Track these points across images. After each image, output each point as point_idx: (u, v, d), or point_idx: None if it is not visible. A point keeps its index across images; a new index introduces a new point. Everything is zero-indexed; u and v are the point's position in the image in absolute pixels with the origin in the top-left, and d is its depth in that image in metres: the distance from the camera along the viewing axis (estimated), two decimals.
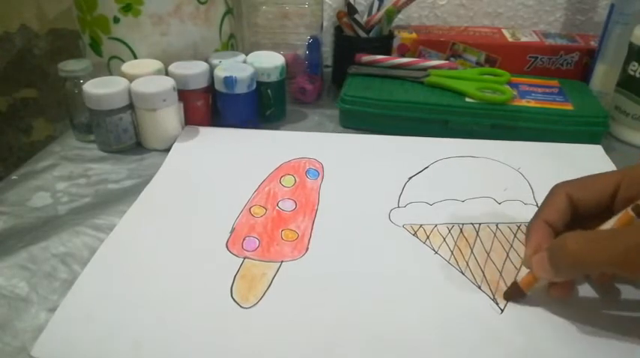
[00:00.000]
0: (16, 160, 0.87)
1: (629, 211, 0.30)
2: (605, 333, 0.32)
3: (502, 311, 0.33)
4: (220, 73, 0.53)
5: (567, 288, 0.33)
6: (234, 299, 0.34)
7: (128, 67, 0.53)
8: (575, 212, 0.34)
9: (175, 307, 0.34)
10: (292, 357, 0.30)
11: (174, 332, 0.32)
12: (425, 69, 0.61)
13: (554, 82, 0.61)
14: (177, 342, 0.31)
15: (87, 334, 0.32)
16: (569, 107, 0.55)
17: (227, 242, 0.39)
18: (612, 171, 0.34)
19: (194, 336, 0.31)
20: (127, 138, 0.52)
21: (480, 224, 0.41)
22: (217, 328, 0.32)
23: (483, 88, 0.56)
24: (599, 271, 0.32)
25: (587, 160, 0.50)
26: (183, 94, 0.53)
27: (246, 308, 0.34)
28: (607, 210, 0.33)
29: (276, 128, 0.58)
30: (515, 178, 0.47)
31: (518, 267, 0.37)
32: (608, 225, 0.31)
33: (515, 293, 0.34)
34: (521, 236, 0.40)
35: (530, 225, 0.34)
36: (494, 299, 0.34)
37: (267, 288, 0.35)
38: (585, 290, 0.35)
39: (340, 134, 0.56)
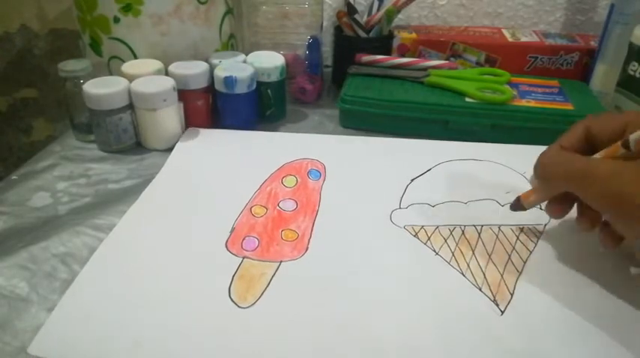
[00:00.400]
0: (16, 160, 0.87)
1: (617, 143, 0.33)
2: (605, 335, 0.32)
3: (502, 312, 0.33)
4: (220, 73, 0.53)
5: (559, 208, 0.37)
6: (232, 299, 0.34)
7: (128, 67, 0.53)
8: (591, 143, 0.36)
9: (174, 307, 0.34)
10: (289, 357, 0.30)
11: (173, 331, 0.32)
12: (425, 69, 0.61)
13: (554, 82, 0.61)
14: (176, 342, 0.31)
15: (85, 333, 0.32)
16: (569, 107, 0.55)
17: (227, 241, 0.39)
18: (627, 112, 0.36)
19: (192, 336, 0.31)
20: (127, 138, 0.52)
21: (482, 226, 0.41)
22: (215, 328, 0.32)
23: (483, 88, 0.56)
24: (563, 184, 0.34)
25: None
26: (184, 94, 0.53)
27: (243, 308, 0.34)
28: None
29: (276, 128, 0.58)
30: (518, 181, 0.47)
31: (520, 270, 0.37)
32: (598, 154, 0.34)
33: (517, 206, 0.39)
34: (523, 238, 0.40)
35: (547, 148, 0.37)
36: (494, 301, 0.34)
37: (266, 288, 0.35)
38: (585, 292, 0.35)
39: (343, 135, 0.56)
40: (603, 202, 0.32)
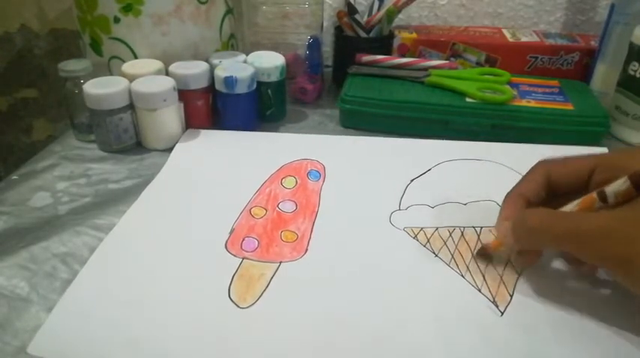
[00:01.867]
0: (16, 160, 0.87)
1: (593, 195, 0.32)
2: (605, 335, 0.32)
3: (502, 313, 0.33)
4: (221, 72, 0.53)
5: (530, 259, 0.36)
6: (231, 299, 0.34)
7: (128, 66, 0.53)
8: (552, 189, 0.36)
9: (173, 306, 0.34)
10: (288, 357, 0.30)
11: (172, 331, 0.32)
12: (425, 69, 0.61)
13: (555, 82, 0.61)
14: (175, 341, 0.31)
15: (84, 333, 0.32)
16: (569, 107, 0.55)
17: (226, 242, 0.39)
18: (591, 155, 0.35)
19: (191, 336, 0.32)
20: (127, 138, 0.52)
21: (481, 227, 0.41)
22: (214, 328, 0.32)
23: (484, 88, 0.56)
24: (553, 247, 0.35)
25: None
26: (184, 94, 0.53)
27: (243, 308, 0.34)
28: (583, 191, 0.34)
29: (277, 128, 0.58)
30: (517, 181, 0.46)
31: (519, 271, 0.37)
32: (572, 205, 0.33)
33: (483, 255, 0.38)
34: None
35: (507, 195, 0.37)
36: (494, 302, 0.34)
37: (265, 289, 0.35)
38: (585, 293, 0.35)
39: (343, 136, 0.56)
40: (600, 263, 0.32)
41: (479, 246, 0.39)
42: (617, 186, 0.31)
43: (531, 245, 0.35)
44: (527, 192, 0.36)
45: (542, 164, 0.36)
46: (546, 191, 0.36)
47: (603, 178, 0.33)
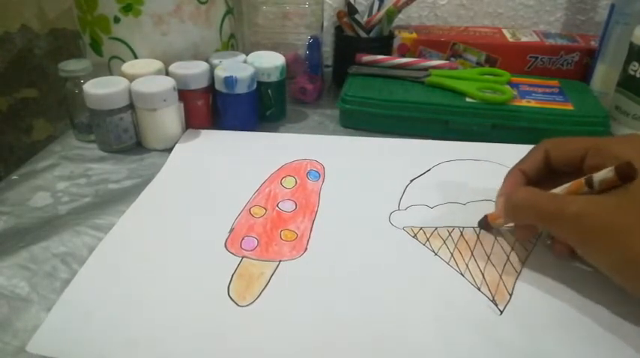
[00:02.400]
0: (16, 160, 0.87)
1: (582, 180, 0.33)
2: (605, 335, 0.32)
3: (501, 312, 0.33)
4: (221, 72, 0.53)
5: (524, 233, 0.38)
6: (231, 298, 0.34)
7: (128, 66, 0.53)
8: (551, 167, 0.37)
9: (172, 305, 0.34)
10: (288, 356, 0.30)
11: (171, 329, 0.32)
12: (425, 69, 0.61)
13: (555, 82, 0.61)
14: (174, 340, 0.31)
15: (83, 331, 0.32)
16: (569, 107, 0.55)
17: (226, 241, 0.39)
18: (586, 138, 0.36)
19: (191, 334, 0.32)
20: (127, 138, 0.52)
21: (517, 227, 0.41)
22: (214, 326, 0.32)
23: (484, 88, 0.56)
24: (536, 224, 0.35)
25: None
26: (184, 94, 0.53)
27: (242, 306, 0.34)
28: (579, 172, 0.35)
29: (277, 128, 0.58)
30: None
31: (518, 270, 0.37)
32: (562, 187, 0.34)
33: (485, 225, 0.40)
34: None
35: (509, 171, 0.39)
36: (493, 301, 0.34)
37: (265, 287, 0.35)
38: (585, 292, 0.35)
39: (342, 136, 0.56)
40: (575, 240, 0.33)
41: (478, 245, 0.39)
42: (603, 174, 0.32)
43: (518, 220, 0.37)
44: (526, 169, 0.37)
45: (544, 142, 0.38)
46: (546, 169, 0.37)
47: (595, 162, 0.34)
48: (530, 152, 0.38)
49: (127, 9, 0.53)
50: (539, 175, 0.37)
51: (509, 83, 0.59)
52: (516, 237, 0.39)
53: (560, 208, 0.32)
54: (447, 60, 0.67)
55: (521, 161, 0.38)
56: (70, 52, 0.79)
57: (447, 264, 0.38)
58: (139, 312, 0.33)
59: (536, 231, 0.38)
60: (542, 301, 0.34)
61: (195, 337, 0.31)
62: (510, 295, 0.35)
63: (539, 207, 0.33)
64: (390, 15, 0.63)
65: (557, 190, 0.35)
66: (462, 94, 0.56)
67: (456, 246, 0.39)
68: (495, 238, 0.40)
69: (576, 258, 0.37)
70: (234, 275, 0.36)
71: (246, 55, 0.58)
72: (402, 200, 0.45)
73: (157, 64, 0.54)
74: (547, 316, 0.33)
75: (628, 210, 0.30)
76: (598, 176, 0.32)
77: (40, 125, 0.88)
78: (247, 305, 0.34)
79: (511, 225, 0.39)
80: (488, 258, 0.38)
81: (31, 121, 0.87)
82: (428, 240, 0.40)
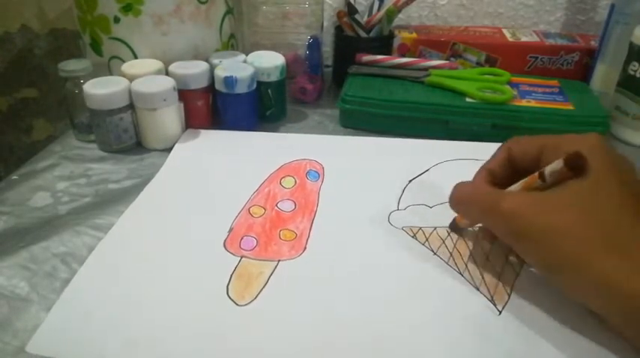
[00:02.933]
0: (16, 160, 0.87)
1: (535, 174, 0.33)
2: (603, 336, 0.32)
3: (500, 312, 0.33)
4: (221, 72, 0.53)
5: (487, 233, 0.37)
6: (230, 297, 0.34)
7: (128, 66, 0.53)
8: (514, 165, 0.36)
9: (171, 305, 0.34)
10: (286, 355, 0.31)
11: (170, 329, 0.32)
12: (425, 69, 0.61)
13: (555, 82, 0.61)
14: (173, 340, 0.31)
15: (83, 332, 0.32)
16: (569, 107, 0.55)
17: (225, 241, 0.39)
18: (545, 136, 0.36)
19: (190, 334, 0.32)
20: (127, 138, 0.52)
21: (479, 227, 0.41)
22: (213, 326, 0.32)
23: (484, 88, 0.56)
24: (480, 221, 0.36)
25: None
26: (184, 94, 0.53)
27: (241, 305, 0.34)
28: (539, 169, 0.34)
29: (277, 128, 0.58)
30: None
31: (517, 271, 0.37)
32: (518, 184, 0.34)
33: (454, 227, 0.40)
34: None
35: (477, 171, 0.38)
36: (492, 301, 0.34)
37: (263, 287, 0.35)
38: None
39: (342, 136, 0.56)
40: (507, 237, 0.32)
41: (477, 246, 0.39)
42: (554, 166, 0.31)
43: (466, 217, 0.37)
44: (492, 167, 0.37)
45: (508, 141, 0.38)
46: (510, 167, 0.37)
47: (550, 159, 0.33)
48: (496, 151, 0.38)
49: (127, 9, 0.53)
50: (505, 174, 0.37)
51: (509, 83, 0.59)
52: (479, 237, 0.39)
53: (496, 203, 0.32)
54: (446, 60, 0.67)
55: (488, 161, 0.38)
56: (70, 52, 0.79)
57: (446, 263, 0.38)
58: (138, 312, 0.33)
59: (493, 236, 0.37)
60: (540, 302, 0.34)
61: (195, 337, 0.31)
62: (509, 295, 0.35)
63: (476, 201, 0.34)
64: (390, 15, 0.63)
65: (514, 186, 0.34)
66: (462, 94, 0.56)
67: (455, 245, 0.39)
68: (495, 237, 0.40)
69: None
70: (233, 275, 0.36)
71: (246, 55, 0.58)
72: (402, 200, 0.45)
73: (157, 64, 0.54)
74: (546, 317, 0.33)
75: (566, 210, 0.30)
76: (549, 168, 0.31)
77: (40, 125, 0.88)
78: (246, 305, 0.34)
79: (479, 225, 0.39)
80: (487, 258, 0.38)
81: (31, 121, 0.87)
82: (427, 239, 0.40)
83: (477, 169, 0.38)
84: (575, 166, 0.30)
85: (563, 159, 0.30)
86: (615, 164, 0.31)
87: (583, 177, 0.30)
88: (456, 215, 0.40)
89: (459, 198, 0.36)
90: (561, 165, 0.30)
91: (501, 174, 0.37)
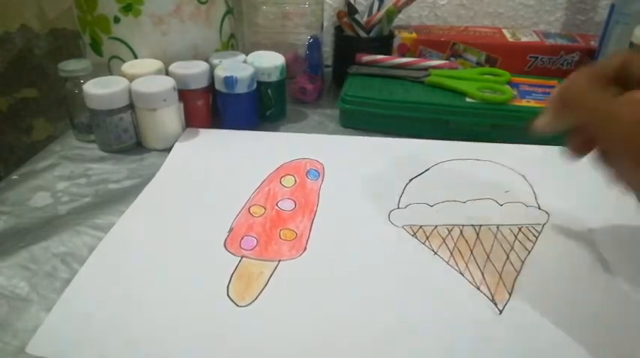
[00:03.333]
0: (16, 160, 0.87)
1: None
2: (603, 334, 0.32)
3: (501, 312, 0.33)
4: (221, 72, 0.53)
5: (576, 145, 0.34)
6: (230, 298, 0.34)
7: (128, 66, 0.53)
8: (624, 80, 0.31)
9: (172, 305, 0.34)
10: (287, 356, 0.30)
11: (170, 329, 0.32)
12: (425, 69, 0.61)
13: (555, 82, 0.61)
14: (174, 340, 0.31)
15: (83, 332, 0.32)
16: None
17: (225, 241, 0.39)
18: None
19: (190, 335, 0.32)
20: (127, 138, 0.52)
21: (480, 226, 0.41)
22: (213, 326, 0.32)
23: (484, 88, 0.56)
24: (581, 118, 0.32)
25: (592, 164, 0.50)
26: (184, 94, 0.53)
27: (242, 306, 0.34)
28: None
29: (277, 128, 0.58)
30: (517, 181, 0.47)
31: (518, 269, 0.37)
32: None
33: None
34: (522, 238, 0.40)
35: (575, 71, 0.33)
36: (493, 301, 0.34)
37: (264, 287, 0.35)
38: (584, 292, 0.35)
39: (342, 135, 0.56)
40: (625, 148, 0.29)
41: (478, 244, 0.39)
42: None
43: (563, 110, 0.33)
44: (598, 69, 0.32)
45: (624, 53, 0.32)
46: (620, 77, 0.31)
47: None
48: (609, 58, 0.32)
49: (127, 9, 0.53)
50: (614, 70, 0.31)
51: (509, 83, 0.59)
52: (569, 146, 0.35)
53: (615, 111, 0.28)
54: (447, 60, 0.67)
55: (597, 64, 0.33)
56: (70, 52, 0.79)
57: (447, 263, 0.38)
58: (138, 312, 0.33)
59: (587, 144, 0.34)
60: (541, 301, 0.34)
61: (195, 337, 0.31)
62: (510, 294, 0.35)
63: (594, 102, 0.30)
64: (390, 15, 0.63)
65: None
66: (462, 94, 0.56)
67: (455, 244, 0.39)
68: (495, 236, 0.40)
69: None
70: (234, 275, 0.36)
71: (246, 55, 0.58)
72: (402, 198, 0.45)
73: (157, 64, 0.54)
74: (546, 316, 0.33)
75: None
76: None
77: (40, 125, 0.88)
78: (246, 306, 0.34)
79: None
80: (488, 256, 0.38)
81: (31, 121, 0.87)
82: (427, 238, 0.40)
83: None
84: None
85: None
86: None
87: None
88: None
89: (572, 88, 0.31)
90: None
91: (611, 70, 0.32)
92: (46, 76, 0.83)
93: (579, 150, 0.34)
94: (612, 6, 0.60)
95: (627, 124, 0.28)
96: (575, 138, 0.34)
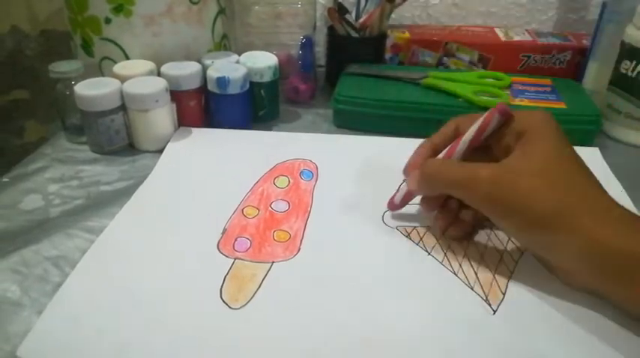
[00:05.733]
0: (7, 163, 0.86)
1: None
2: (597, 333, 0.32)
3: (495, 312, 0.33)
4: (213, 73, 0.53)
5: (432, 205, 0.40)
6: (223, 300, 0.34)
7: (120, 67, 0.53)
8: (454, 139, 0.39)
9: (164, 308, 0.33)
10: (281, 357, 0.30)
11: (163, 333, 0.32)
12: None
13: (547, 81, 0.61)
14: (166, 343, 0.31)
15: (74, 335, 0.31)
16: (562, 106, 0.55)
17: (218, 243, 0.39)
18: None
19: (183, 337, 0.31)
20: (119, 139, 0.52)
21: (474, 227, 0.41)
22: (206, 329, 0.32)
23: (480, 92, 0.56)
24: (447, 191, 0.37)
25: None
26: (176, 95, 0.53)
27: (235, 308, 0.33)
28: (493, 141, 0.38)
29: (270, 128, 0.58)
30: None
31: (511, 270, 0.37)
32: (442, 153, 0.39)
33: (390, 205, 0.42)
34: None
35: (419, 144, 0.41)
36: (486, 300, 0.34)
37: (257, 289, 0.35)
38: (583, 294, 0.35)
39: (335, 135, 0.56)
40: (485, 205, 0.34)
41: (472, 245, 0.39)
42: (475, 126, 0.37)
43: (431, 190, 0.39)
44: (437, 143, 0.40)
45: (454, 118, 0.40)
46: (450, 141, 0.39)
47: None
48: (442, 128, 0.40)
49: (118, 9, 0.53)
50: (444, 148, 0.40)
51: (510, 87, 0.58)
52: (423, 209, 0.41)
53: (474, 173, 0.34)
54: (439, 59, 0.67)
55: (432, 135, 0.41)
56: (61, 53, 0.79)
57: (440, 263, 0.38)
58: (130, 315, 0.33)
59: (440, 202, 0.40)
60: (535, 300, 0.34)
61: (187, 340, 0.31)
62: (504, 294, 0.35)
63: (452, 174, 0.36)
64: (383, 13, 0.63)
65: (441, 155, 0.39)
66: (458, 97, 0.56)
67: (449, 245, 0.39)
68: (488, 237, 0.40)
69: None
70: (227, 278, 0.36)
71: (239, 55, 0.58)
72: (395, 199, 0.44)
73: (149, 65, 0.53)
74: (540, 315, 0.33)
75: (529, 182, 0.32)
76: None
77: (31, 127, 0.87)
78: (240, 308, 0.33)
79: (417, 199, 0.41)
80: (482, 256, 0.38)
81: (22, 123, 0.86)
82: (421, 239, 0.40)
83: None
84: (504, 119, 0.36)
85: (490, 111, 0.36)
86: (562, 133, 0.35)
87: (543, 144, 0.34)
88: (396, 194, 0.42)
89: (433, 173, 0.37)
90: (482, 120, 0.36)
91: (442, 148, 0.39)
92: (37, 78, 0.82)
93: (432, 209, 0.40)
94: (604, 4, 0.61)
95: (485, 184, 0.34)
96: (431, 201, 0.40)
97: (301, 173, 0.48)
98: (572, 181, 0.33)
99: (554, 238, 0.32)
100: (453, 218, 0.40)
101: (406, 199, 0.42)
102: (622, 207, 0.32)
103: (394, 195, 0.42)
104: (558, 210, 0.31)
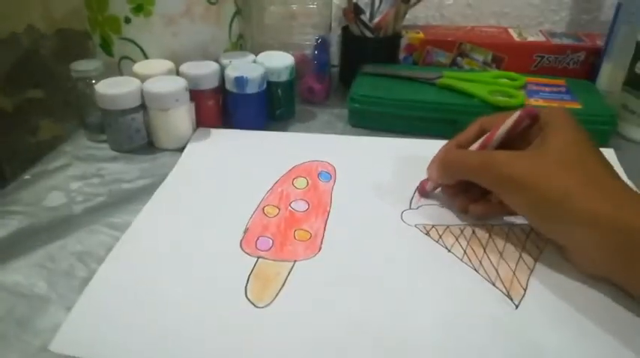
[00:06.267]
0: (22, 161, 0.87)
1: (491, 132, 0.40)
2: (618, 329, 0.32)
3: (517, 306, 0.34)
4: (231, 72, 0.53)
5: (453, 191, 0.43)
6: (248, 299, 0.34)
7: (140, 67, 0.53)
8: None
9: (190, 306, 0.34)
10: (306, 356, 0.31)
11: (189, 330, 0.32)
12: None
13: (561, 81, 0.61)
14: (192, 340, 0.31)
15: (105, 330, 0.32)
16: (576, 106, 0.55)
17: (241, 242, 0.40)
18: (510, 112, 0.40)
19: (208, 335, 0.32)
20: (139, 138, 0.53)
21: (492, 225, 0.41)
22: (232, 327, 0.32)
23: (495, 92, 0.56)
24: (465, 177, 0.40)
25: None
26: (194, 94, 0.53)
27: (260, 307, 0.34)
28: (515, 140, 0.40)
29: (286, 127, 0.59)
30: None
31: (531, 267, 0.37)
32: (476, 143, 0.41)
33: (421, 191, 0.45)
34: (533, 237, 0.40)
35: (446, 143, 0.44)
36: (508, 295, 0.35)
37: (281, 288, 0.35)
38: (598, 287, 0.35)
39: (353, 136, 0.56)
40: (500, 183, 0.37)
41: (490, 243, 0.39)
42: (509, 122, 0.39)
43: (450, 176, 0.42)
44: (461, 140, 0.43)
45: (480, 118, 0.43)
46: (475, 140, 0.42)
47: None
48: (467, 127, 0.43)
49: (138, 9, 0.53)
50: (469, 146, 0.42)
51: (524, 87, 0.58)
52: (445, 193, 0.44)
53: (491, 157, 0.38)
54: (453, 59, 0.67)
55: (458, 136, 0.43)
56: (77, 52, 0.79)
57: (461, 260, 0.38)
58: (157, 312, 0.33)
59: (458, 189, 0.43)
60: (556, 296, 0.35)
61: (214, 338, 0.32)
62: (525, 290, 0.35)
63: (470, 160, 0.39)
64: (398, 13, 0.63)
65: (474, 145, 0.41)
66: (473, 97, 0.56)
67: (468, 243, 0.40)
68: (507, 236, 0.40)
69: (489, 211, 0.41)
70: (251, 277, 0.36)
71: (255, 55, 0.59)
72: (414, 199, 0.45)
73: (168, 64, 0.54)
74: (561, 311, 0.33)
75: (543, 163, 0.35)
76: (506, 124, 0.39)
77: (45, 125, 0.88)
78: (265, 307, 0.34)
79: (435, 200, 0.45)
80: (501, 254, 0.38)
81: (37, 122, 0.87)
82: (440, 237, 0.40)
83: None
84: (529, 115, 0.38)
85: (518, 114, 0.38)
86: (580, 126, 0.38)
87: (562, 134, 0.36)
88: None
89: (452, 160, 0.41)
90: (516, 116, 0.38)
91: (466, 147, 0.42)
92: (53, 77, 0.83)
93: (455, 195, 0.43)
94: (619, 5, 0.61)
95: (499, 166, 0.37)
96: (460, 198, 0.43)
97: (319, 174, 0.48)
98: (586, 166, 0.35)
99: (566, 218, 0.34)
100: (471, 200, 0.42)
101: (435, 187, 0.45)
102: (636, 191, 0.35)
103: (425, 181, 0.45)
104: (571, 190, 0.33)
